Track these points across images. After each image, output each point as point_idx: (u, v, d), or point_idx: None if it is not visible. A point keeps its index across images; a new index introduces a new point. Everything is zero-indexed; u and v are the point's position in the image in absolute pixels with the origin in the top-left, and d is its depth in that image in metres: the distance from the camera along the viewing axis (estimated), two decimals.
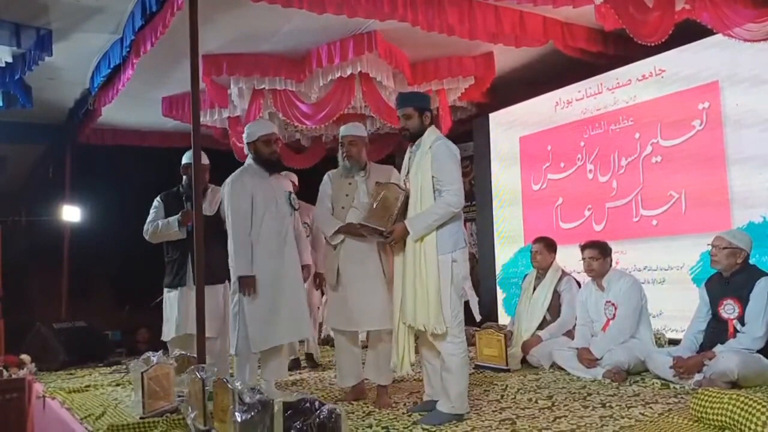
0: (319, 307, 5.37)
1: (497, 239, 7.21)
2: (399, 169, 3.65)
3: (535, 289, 4.92)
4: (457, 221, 3.26)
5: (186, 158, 4.57)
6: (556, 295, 4.81)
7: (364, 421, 3.26)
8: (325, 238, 3.81)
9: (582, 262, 4.51)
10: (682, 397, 3.48)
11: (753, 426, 2.51)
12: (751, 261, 3.89)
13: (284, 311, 3.73)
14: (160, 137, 8.22)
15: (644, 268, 5.52)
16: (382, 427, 3.11)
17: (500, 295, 7.11)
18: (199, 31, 3.59)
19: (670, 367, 3.81)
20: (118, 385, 4.58)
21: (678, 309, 5.07)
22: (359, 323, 3.67)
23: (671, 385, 3.77)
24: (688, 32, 4.82)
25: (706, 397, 2.81)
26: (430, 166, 3.21)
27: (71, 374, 5.28)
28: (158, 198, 4.64)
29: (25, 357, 5.37)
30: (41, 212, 8.01)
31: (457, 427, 3.07)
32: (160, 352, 3.73)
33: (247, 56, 5.78)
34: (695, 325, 3.97)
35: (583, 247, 4.53)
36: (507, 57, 6.19)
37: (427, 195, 3.20)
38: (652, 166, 5.56)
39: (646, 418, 3.06)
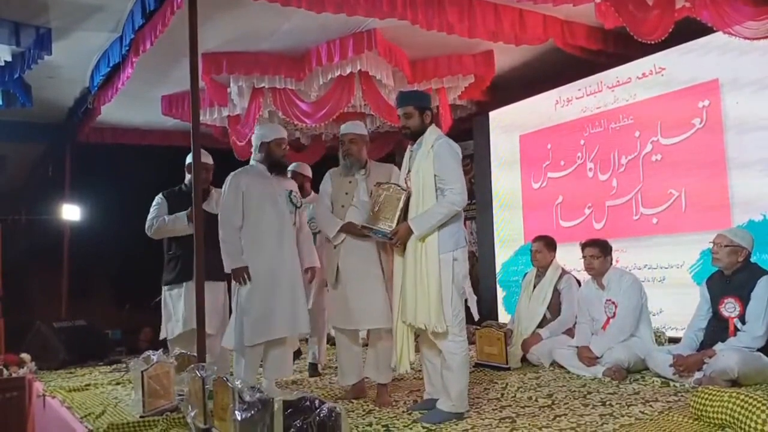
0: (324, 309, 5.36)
1: (497, 238, 7.21)
2: (399, 168, 3.64)
3: (535, 287, 4.92)
4: (458, 220, 3.26)
5: (191, 158, 4.58)
6: (556, 294, 4.81)
7: (364, 419, 3.26)
8: (327, 238, 3.81)
9: (582, 260, 4.51)
10: (682, 396, 3.48)
11: (753, 424, 2.51)
12: (752, 259, 3.89)
13: (280, 306, 3.75)
14: (160, 136, 8.22)
15: (644, 267, 5.52)
16: (382, 426, 3.11)
17: (500, 294, 7.11)
18: (198, 30, 3.59)
19: (671, 366, 3.81)
20: (118, 383, 4.58)
21: (678, 307, 5.07)
22: (359, 322, 3.67)
23: (671, 384, 3.77)
24: (689, 30, 4.81)
25: (706, 396, 2.81)
26: (433, 165, 3.21)
27: (71, 373, 5.28)
28: (160, 195, 4.61)
29: (25, 356, 5.36)
30: (41, 211, 8.01)
31: (457, 425, 3.07)
32: (160, 350, 3.72)
33: (247, 55, 5.78)
34: (696, 323, 3.97)
35: (583, 246, 4.53)
36: (507, 55, 6.18)
37: (429, 194, 3.20)
38: (652, 164, 5.55)
39: (646, 417, 3.06)
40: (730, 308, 3.75)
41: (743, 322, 3.69)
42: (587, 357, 4.22)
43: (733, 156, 4.95)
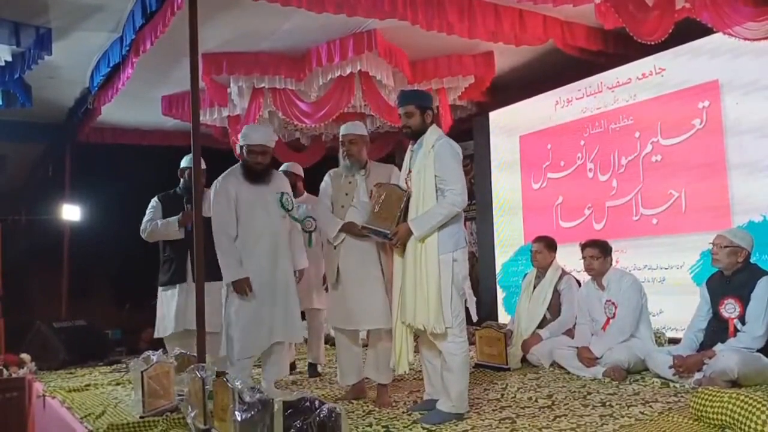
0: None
1: (497, 238, 7.21)
2: (399, 168, 3.64)
3: (535, 288, 4.92)
4: (458, 221, 3.26)
5: (185, 162, 4.67)
6: (556, 294, 4.81)
7: (364, 420, 3.26)
8: (327, 239, 3.81)
9: (582, 261, 4.51)
10: (682, 396, 3.48)
11: (753, 425, 2.51)
12: (752, 260, 3.89)
13: (271, 317, 3.68)
14: (160, 136, 8.22)
15: (644, 267, 5.52)
16: (382, 426, 3.11)
17: (500, 294, 7.11)
18: (198, 30, 3.59)
19: (670, 366, 3.81)
20: (118, 384, 4.58)
21: (678, 308, 5.07)
22: (359, 322, 3.67)
23: (671, 384, 3.77)
24: (689, 31, 4.82)
25: (706, 396, 2.81)
26: (433, 166, 3.21)
27: (71, 373, 5.28)
28: (156, 198, 4.69)
29: (25, 356, 5.37)
30: (41, 211, 8.01)
31: (457, 426, 3.07)
32: (160, 351, 3.73)
33: (247, 55, 5.79)
34: (696, 323, 3.97)
35: (583, 246, 4.53)
36: (507, 56, 6.19)
37: (430, 194, 3.20)
38: (652, 165, 5.55)
39: (646, 417, 3.06)
40: (730, 309, 3.75)
41: (743, 323, 3.69)
42: (587, 357, 4.22)
43: (733, 157, 4.96)
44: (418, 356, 3.49)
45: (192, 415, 2.96)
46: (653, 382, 3.86)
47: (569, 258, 5.25)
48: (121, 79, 5.67)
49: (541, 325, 4.78)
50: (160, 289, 4.62)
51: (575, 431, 2.89)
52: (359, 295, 3.61)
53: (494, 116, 7.33)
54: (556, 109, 6.51)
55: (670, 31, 4.42)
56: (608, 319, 4.34)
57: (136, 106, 7.16)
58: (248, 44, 5.64)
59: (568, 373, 4.31)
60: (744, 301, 3.70)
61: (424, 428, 3.07)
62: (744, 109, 4.90)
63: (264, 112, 6.39)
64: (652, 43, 4.45)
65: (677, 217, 5.34)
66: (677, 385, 3.73)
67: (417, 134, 3.34)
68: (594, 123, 6.11)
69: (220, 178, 3.82)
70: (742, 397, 2.63)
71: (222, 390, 2.67)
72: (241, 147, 3.83)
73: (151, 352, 3.62)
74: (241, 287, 3.64)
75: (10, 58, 5.29)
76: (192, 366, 3.10)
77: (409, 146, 3.44)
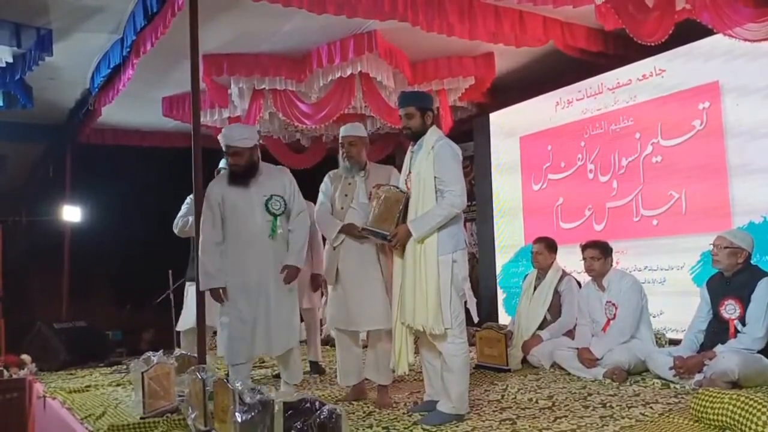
0: (319, 308, 5.38)
1: (497, 239, 7.21)
2: (399, 169, 3.65)
3: (535, 289, 4.92)
4: (458, 222, 3.26)
5: (222, 163, 4.58)
6: (557, 295, 4.80)
7: (364, 421, 3.26)
8: (327, 240, 3.81)
9: (583, 262, 4.51)
10: (682, 397, 3.47)
11: (753, 426, 2.51)
12: (753, 261, 3.89)
13: (251, 329, 3.61)
14: (161, 137, 8.23)
15: (645, 268, 5.52)
16: (383, 427, 3.11)
17: (500, 295, 7.11)
18: (199, 31, 3.60)
19: (671, 368, 3.81)
20: (118, 385, 4.58)
21: (678, 309, 5.07)
22: (358, 323, 3.67)
23: (671, 385, 3.77)
24: (689, 32, 4.82)
25: (706, 397, 2.81)
26: (433, 167, 3.21)
27: (72, 374, 5.28)
28: (190, 196, 4.62)
29: (25, 357, 5.38)
30: (42, 212, 8.02)
31: (457, 427, 3.07)
32: (161, 351, 3.73)
33: (248, 56, 5.79)
34: (696, 324, 3.97)
35: (584, 247, 4.53)
36: (507, 57, 6.19)
37: (429, 195, 3.20)
38: (653, 166, 5.55)
39: (646, 418, 3.06)
40: (730, 310, 3.75)
41: (743, 324, 3.69)
42: (587, 359, 4.22)
43: (733, 158, 4.95)
44: (418, 357, 3.49)
45: (192, 416, 2.97)
46: (654, 383, 3.86)
47: (569, 259, 5.25)
48: (121, 80, 5.68)
49: (541, 326, 4.78)
50: (187, 283, 4.80)
51: None
52: (359, 296, 3.61)
53: (494, 117, 7.34)
54: (556, 110, 6.51)
55: (671, 32, 4.42)
56: (608, 320, 4.34)
57: (136, 107, 7.16)
58: (249, 45, 5.65)
59: (569, 374, 4.31)
60: (744, 302, 3.69)
61: (424, 429, 3.07)
62: (744, 110, 4.90)
63: (264, 113, 6.39)
64: (653, 44, 4.45)
65: (677, 218, 5.33)
66: (678, 387, 3.73)
67: (417, 135, 3.35)
68: (594, 124, 6.11)
69: (210, 184, 3.79)
70: (742, 399, 2.63)
71: (222, 391, 2.67)
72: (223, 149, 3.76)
73: (151, 353, 3.63)
74: (216, 296, 3.59)
75: (11, 60, 5.30)
76: (192, 367, 3.10)
77: (409, 147, 3.44)
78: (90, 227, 7.86)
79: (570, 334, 4.67)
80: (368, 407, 3.58)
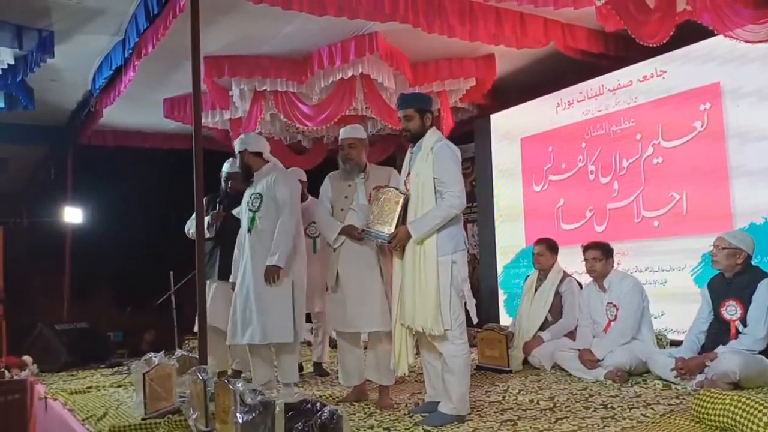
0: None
1: (498, 241, 7.21)
2: (399, 171, 3.65)
3: (536, 290, 4.92)
4: (457, 223, 3.26)
5: (224, 167, 4.88)
6: (558, 296, 4.80)
7: (365, 422, 3.26)
8: (327, 242, 3.81)
9: (584, 263, 4.50)
10: (683, 398, 3.47)
11: (755, 427, 2.51)
12: (754, 262, 3.88)
13: (241, 314, 3.87)
14: (162, 139, 8.24)
15: (646, 270, 5.52)
16: (384, 428, 3.11)
17: (501, 297, 7.11)
18: (200, 33, 3.60)
19: (672, 369, 3.81)
20: (119, 386, 4.59)
21: (679, 310, 5.06)
22: (358, 325, 3.68)
23: (673, 386, 3.77)
24: (690, 33, 4.82)
25: (707, 398, 2.81)
26: (432, 168, 3.21)
27: (73, 375, 5.29)
28: (203, 199, 4.71)
29: (26, 358, 5.38)
30: (43, 213, 8.02)
31: (458, 428, 3.07)
32: (162, 352, 3.73)
33: (249, 58, 5.80)
34: (697, 326, 3.97)
35: (585, 248, 4.53)
36: (508, 58, 6.19)
37: (429, 197, 3.20)
38: (654, 167, 5.55)
39: (647, 419, 3.06)
40: (731, 311, 3.75)
41: (744, 325, 3.69)
42: (589, 360, 4.22)
43: (734, 159, 4.95)
44: (419, 358, 3.49)
45: (193, 417, 2.97)
46: (655, 385, 3.85)
47: (571, 260, 5.25)
48: (123, 82, 5.69)
49: (542, 328, 4.78)
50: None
51: None
52: (359, 297, 3.62)
53: (495, 119, 7.34)
54: (557, 111, 6.51)
55: (672, 33, 4.42)
56: (610, 322, 4.34)
57: (137, 109, 7.17)
58: (250, 47, 5.66)
59: (570, 375, 4.31)
60: (745, 303, 3.69)
61: (425, 430, 3.07)
62: (745, 111, 4.90)
63: (266, 114, 6.40)
64: (654, 45, 4.46)
65: (678, 220, 5.33)
66: (679, 388, 3.73)
67: (416, 137, 3.35)
68: (595, 125, 6.11)
69: None
70: (743, 399, 2.63)
71: (223, 392, 2.67)
72: None
73: (152, 354, 3.63)
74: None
75: (12, 61, 5.31)
76: (193, 368, 3.10)
77: (409, 149, 3.45)
78: (91, 229, 7.86)
79: (571, 335, 4.67)
80: (369, 408, 3.58)
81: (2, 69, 5.38)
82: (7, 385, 4.80)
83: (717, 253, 3.83)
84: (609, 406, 3.39)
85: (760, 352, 3.63)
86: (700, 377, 3.67)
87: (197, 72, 3.59)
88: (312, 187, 5.20)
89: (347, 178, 3.80)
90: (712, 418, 2.74)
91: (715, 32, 4.36)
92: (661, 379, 3.91)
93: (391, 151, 8.28)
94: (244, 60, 5.78)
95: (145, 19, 4.69)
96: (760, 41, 4.15)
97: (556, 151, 6.52)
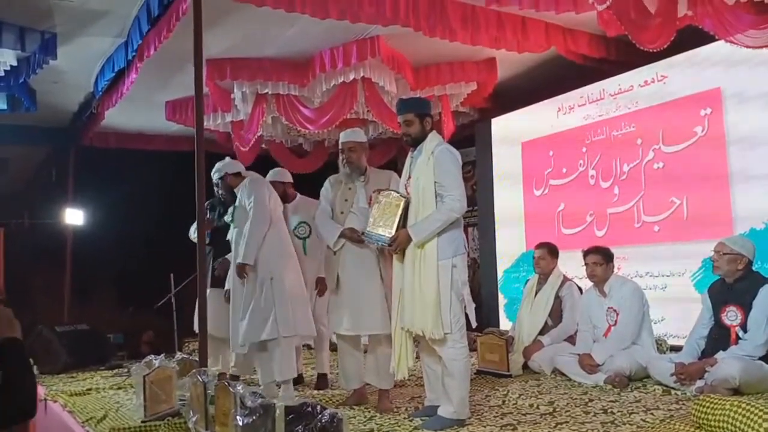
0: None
1: (499, 245, 7.21)
2: (400, 174, 3.66)
3: (536, 294, 4.92)
4: (458, 227, 3.27)
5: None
6: (558, 301, 4.80)
7: (365, 425, 3.26)
8: (327, 245, 3.81)
9: (585, 267, 4.51)
10: (683, 404, 3.47)
11: None
12: (754, 268, 3.88)
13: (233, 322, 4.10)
14: (164, 141, 8.26)
15: (646, 274, 5.51)
16: None
17: (502, 301, 7.11)
18: (203, 36, 3.61)
19: (672, 374, 3.81)
20: (119, 388, 4.58)
21: (680, 315, 5.06)
22: (358, 328, 3.68)
23: (673, 392, 3.77)
24: (691, 39, 4.83)
25: (707, 404, 2.80)
26: (433, 172, 3.22)
27: (73, 377, 5.28)
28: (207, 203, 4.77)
29: None
30: (44, 215, 8.04)
31: None
32: (162, 355, 3.73)
33: (251, 61, 5.81)
34: (697, 331, 3.97)
35: (586, 253, 4.53)
36: (509, 63, 6.20)
37: (429, 200, 3.21)
38: (654, 172, 5.56)
39: (647, 425, 3.05)
40: (731, 316, 3.75)
41: (745, 331, 3.68)
42: (588, 364, 4.22)
43: (735, 164, 4.96)
44: (418, 362, 3.49)
45: (193, 419, 2.97)
46: (655, 390, 3.85)
47: (571, 265, 5.26)
48: (125, 84, 5.70)
49: (542, 332, 4.78)
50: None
51: None
52: (358, 300, 3.62)
53: (496, 123, 7.35)
54: (558, 116, 6.52)
55: (672, 38, 4.43)
56: (610, 326, 4.34)
57: (140, 111, 7.19)
58: (252, 50, 5.67)
59: (570, 380, 4.30)
60: (745, 308, 3.69)
61: None
62: (746, 117, 4.90)
63: (267, 117, 6.41)
64: (654, 50, 4.46)
65: (679, 225, 5.33)
66: (679, 393, 3.73)
67: (417, 141, 3.36)
68: (596, 130, 6.12)
69: None
70: (743, 405, 2.63)
71: (224, 395, 2.67)
72: None
73: (153, 356, 3.63)
74: None
75: (15, 63, 5.32)
76: (194, 370, 3.11)
77: (410, 152, 3.46)
78: (92, 230, 7.87)
79: (571, 339, 4.67)
80: (369, 412, 3.58)
81: (5, 70, 5.40)
82: None
83: (718, 259, 3.83)
84: (609, 411, 3.38)
85: (761, 358, 3.63)
86: (700, 383, 3.67)
87: (200, 74, 3.60)
88: (312, 189, 5.20)
89: (348, 181, 3.81)
90: (712, 423, 2.74)
91: (716, 37, 4.37)
92: (661, 384, 3.91)
93: (392, 154, 8.29)
94: (246, 63, 5.80)
95: (147, 22, 4.71)
96: (761, 46, 4.16)
97: (556, 156, 6.53)
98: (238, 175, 4.26)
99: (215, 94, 6.05)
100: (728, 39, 4.22)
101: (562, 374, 4.42)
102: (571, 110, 6.39)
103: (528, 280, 5.19)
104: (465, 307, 3.24)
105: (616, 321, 4.31)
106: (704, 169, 5.15)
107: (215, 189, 4.38)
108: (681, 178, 5.32)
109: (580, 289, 4.87)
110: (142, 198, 7.50)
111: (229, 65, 5.74)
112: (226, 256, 4.46)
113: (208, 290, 4.51)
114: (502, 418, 3.31)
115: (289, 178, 4.90)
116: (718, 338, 3.80)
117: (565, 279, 4.90)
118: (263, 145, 7.51)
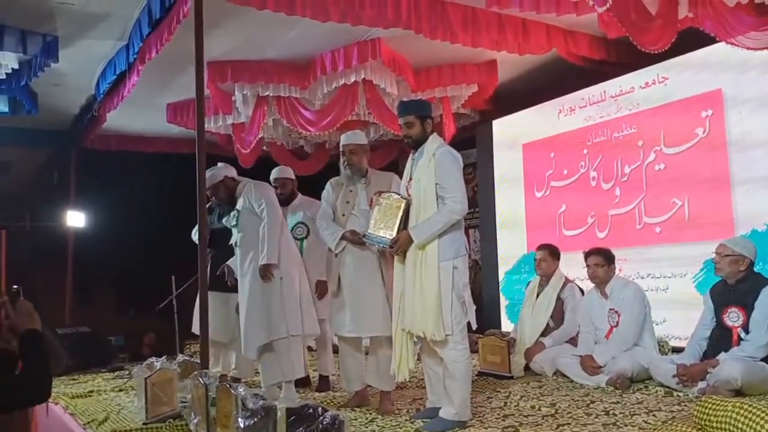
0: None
1: (500, 246, 7.20)
2: (401, 176, 3.66)
3: (538, 296, 4.91)
4: (459, 228, 3.27)
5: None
6: (560, 302, 4.80)
7: (366, 427, 3.26)
8: (329, 247, 3.81)
9: (586, 269, 4.50)
10: (685, 405, 3.47)
11: None
12: (756, 269, 3.88)
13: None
14: (165, 143, 8.26)
15: (647, 276, 5.51)
16: None
17: (503, 303, 7.10)
18: (204, 38, 3.62)
19: (674, 375, 3.80)
20: (121, 390, 4.59)
21: (681, 317, 5.05)
22: (359, 330, 3.68)
23: (675, 393, 3.76)
24: (692, 40, 4.83)
25: (709, 405, 2.80)
26: (434, 174, 3.22)
27: (74, 379, 5.29)
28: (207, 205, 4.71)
29: None
30: (46, 217, 8.04)
31: None
32: (164, 357, 3.74)
33: (252, 63, 5.82)
34: (699, 332, 3.96)
35: (587, 254, 4.53)
36: (510, 64, 6.21)
37: (430, 202, 3.21)
38: (655, 173, 5.55)
39: (649, 426, 3.05)
40: (733, 318, 3.74)
41: (747, 332, 3.68)
42: (590, 366, 4.21)
43: (736, 166, 4.95)
44: (420, 363, 3.49)
45: (195, 421, 2.97)
46: (657, 391, 3.85)
47: (572, 266, 5.25)
48: (126, 87, 5.71)
49: (544, 334, 4.77)
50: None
51: None
52: (360, 302, 3.63)
53: (497, 125, 7.34)
54: (559, 117, 6.52)
55: (674, 40, 4.43)
56: (611, 328, 4.34)
57: (141, 114, 7.20)
58: (253, 52, 5.68)
59: (572, 381, 4.30)
60: (747, 309, 3.69)
61: None
62: (747, 118, 4.90)
63: (268, 119, 6.42)
64: (655, 52, 4.46)
65: (680, 226, 5.33)
66: (681, 394, 3.72)
67: (418, 143, 3.36)
68: (597, 132, 6.12)
69: None
70: (746, 407, 2.63)
71: (225, 397, 2.67)
72: None
73: (154, 358, 3.63)
74: None
75: (16, 66, 5.33)
76: (195, 373, 3.11)
77: (411, 154, 3.46)
78: (94, 233, 7.88)
79: (573, 341, 4.66)
80: (371, 414, 3.58)
81: (6, 73, 5.41)
82: None
83: (720, 260, 3.83)
84: (611, 412, 3.38)
85: (763, 359, 3.63)
86: (702, 384, 3.66)
87: (201, 77, 3.60)
88: (314, 191, 5.20)
89: (349, 183, 3.81)
90: (714, 425, 2.73)
91: (717, 39, 4.37)
92: (662, 385, 3.91)
93: (394, 156, 8.30)
94: (247, 65, 5.81)
95: (148, 25, 4.72)
96: (762, 48, 4.16)
97: (557, 158, 6.53)
98: (233, 179, 4.28)
99: (216, 96, 6.06)
100: (729, 41, 4.23)
101: (564, 376, 4.41)
102: (572, 112, 6.39)
103: (529, 282, 5.19)
104: (466, 310, 3.24)
105: (617, 322, 4.31)
106: (705, 170, 5.15)
107: (209, 193, 4.24)
108: (682, 179, 5.32)
109: (581, 290, 4.87)
110: (143, 200, 7.50)
111: (230, 67, 5.75)
112: (228, 263, 4.33)
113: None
114: (503, 420, 3.31)
115: (290, 175, 4.91)
116: (720, 339, 3.79)
117: (567, 281, 4.89)
118: (264, 148, 7.52)
